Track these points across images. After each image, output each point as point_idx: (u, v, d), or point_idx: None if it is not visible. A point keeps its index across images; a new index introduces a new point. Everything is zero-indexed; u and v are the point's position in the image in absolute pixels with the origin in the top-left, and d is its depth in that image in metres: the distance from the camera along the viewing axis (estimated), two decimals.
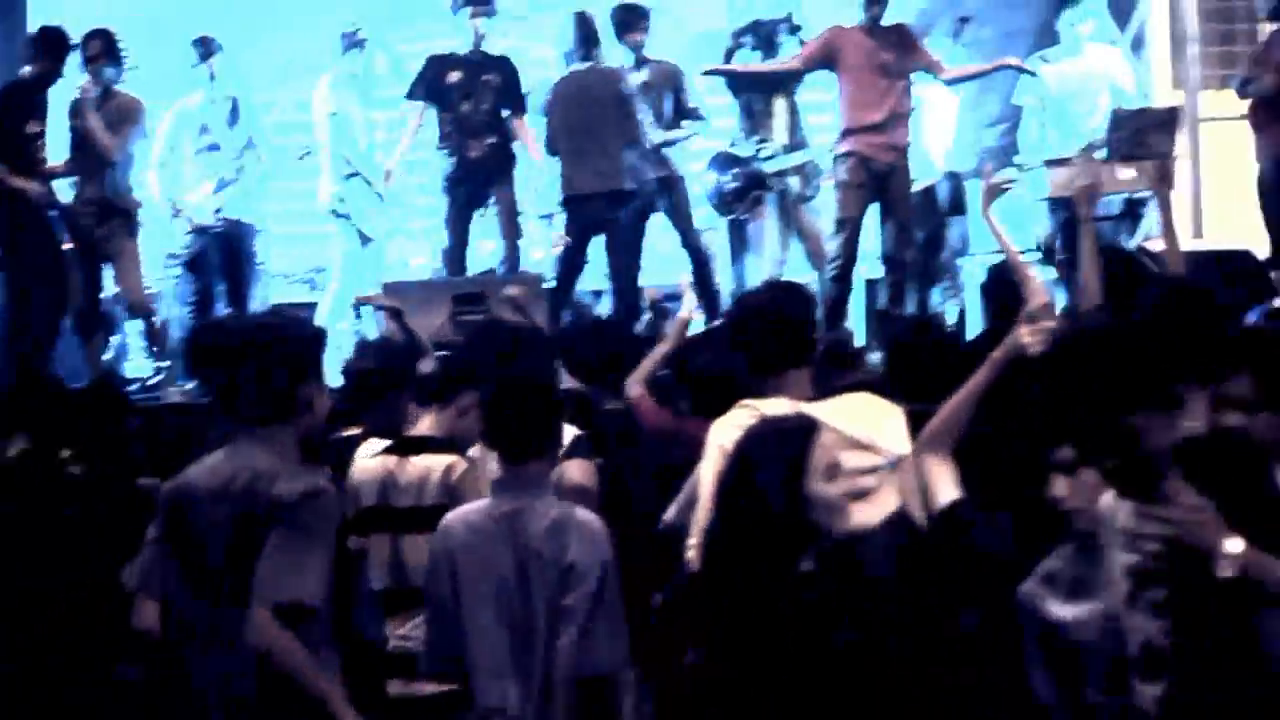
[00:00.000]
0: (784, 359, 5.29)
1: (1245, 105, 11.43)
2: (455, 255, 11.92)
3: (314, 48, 13.43)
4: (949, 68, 11.65)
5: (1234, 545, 4.06)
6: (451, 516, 5.56)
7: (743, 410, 5.17)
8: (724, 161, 11.95)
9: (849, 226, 11.13)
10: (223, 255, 11.92)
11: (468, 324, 9.97)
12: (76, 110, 11.15)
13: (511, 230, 11.86)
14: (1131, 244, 12.37)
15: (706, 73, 11.92)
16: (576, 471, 6.36)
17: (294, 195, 13.07)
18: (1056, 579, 4.63)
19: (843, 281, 11.17)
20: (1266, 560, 4.07)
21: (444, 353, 7.75)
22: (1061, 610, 4.57)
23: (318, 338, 5.18)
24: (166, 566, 5.04)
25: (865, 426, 4.85)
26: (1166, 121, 11.67)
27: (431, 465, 6.26)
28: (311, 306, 12.94)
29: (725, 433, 5.08)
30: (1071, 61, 12.10)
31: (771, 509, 4.21)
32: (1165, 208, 8.25)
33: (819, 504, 4.29)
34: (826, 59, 11.23)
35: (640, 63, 11.85)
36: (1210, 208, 13.59)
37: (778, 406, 5.01)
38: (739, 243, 12.26)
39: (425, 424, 6.47)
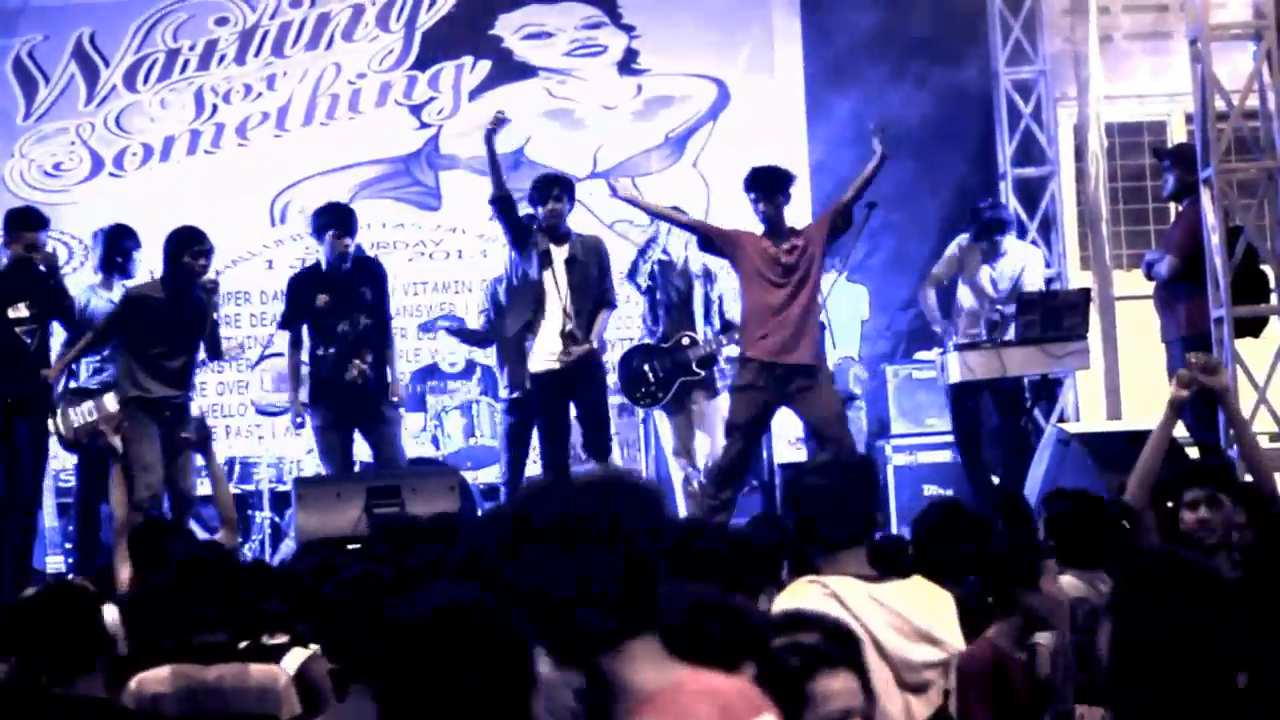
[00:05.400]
0: (845, 538, 5.23)
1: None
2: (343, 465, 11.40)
3: None
4: (845, 195, 11.13)
5: None
6: None
7: (811, 585, 5.08)
8: (645, 351, 11.96)
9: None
10: None
11: (383, 518, 9.89)
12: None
13: (394, 450, 11.44)
14: (1048, 425, 12.48)
15: (616, 194, 11.39)
16: None
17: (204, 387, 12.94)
18: None
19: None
20: None
21: None
22: None
23: None
24: None
25: (926, 615, 4.86)
26: (1078, 303, 11.78)
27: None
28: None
29: (794, 605, 4.99)
30: (998, 260, 12.15)
31: None
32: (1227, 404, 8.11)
33: None
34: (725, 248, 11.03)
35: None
36: (1128, 387, 13.69)
37: (843, 584, 4.95)
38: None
39: None
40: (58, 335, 11.19)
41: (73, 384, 11.45)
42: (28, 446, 10.81)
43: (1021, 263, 12.25)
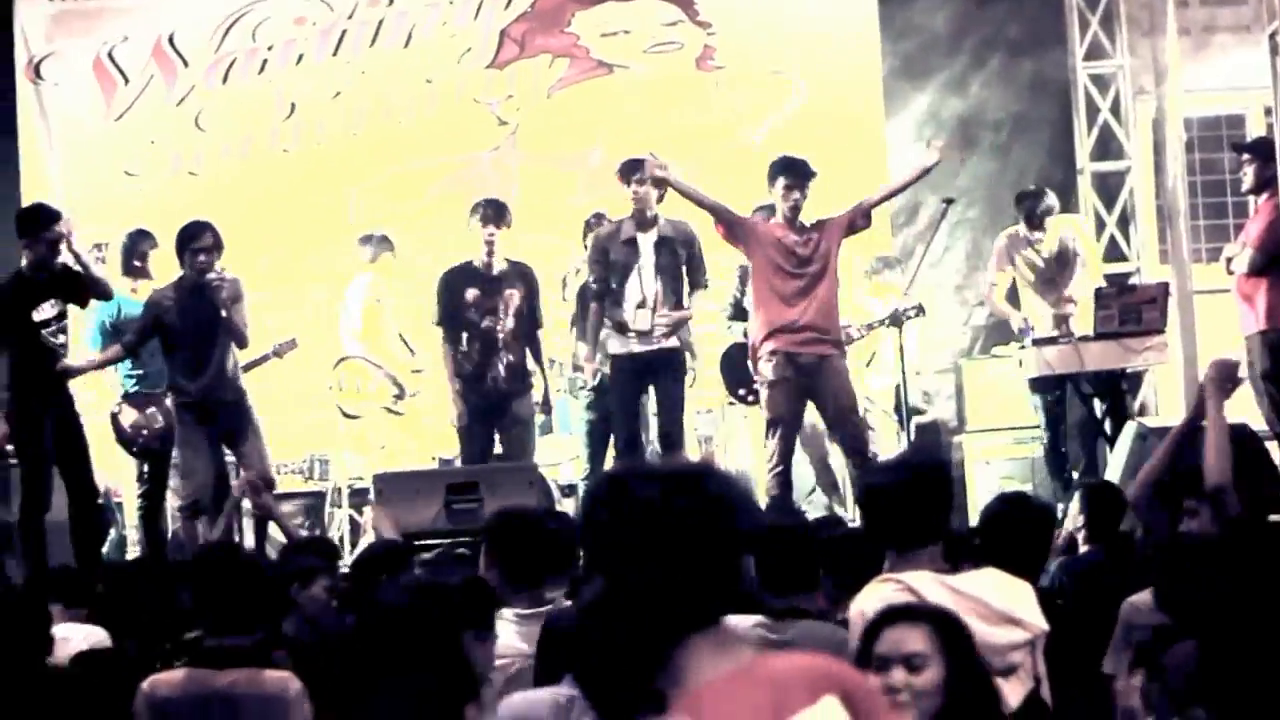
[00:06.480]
0: (921, 536, 5.19)
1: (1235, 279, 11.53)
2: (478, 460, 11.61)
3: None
4: (871, 196, 11.31)
5: None
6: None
7: (884, 583, 5.06)
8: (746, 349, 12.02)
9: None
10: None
11: (462, 513, 9.97)
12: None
13: (520, 453, 11.64)
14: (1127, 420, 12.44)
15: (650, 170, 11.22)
16: None
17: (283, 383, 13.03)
18: None
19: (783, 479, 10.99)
20: None
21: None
22: None
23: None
24: None
25: (1005, 599, 4.88)
26: (1157, 297, 11.73)
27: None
28: (312, 495, 13.04)
29: (872, 604, 5.01)
30: (1040, 237, 12.15)
31: None
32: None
33: None
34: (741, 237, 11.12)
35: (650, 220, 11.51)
36: None
37: (920, 580, 4.96)
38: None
39: None
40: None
41: (131, 389, 11.66)
42: (57, 461, 10.74)
43: (1058, 233, 12.21)
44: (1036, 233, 12.12)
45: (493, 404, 11.52)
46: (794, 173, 10.97)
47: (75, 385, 11.01)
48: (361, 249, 13.27)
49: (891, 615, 4.20)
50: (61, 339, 11.08)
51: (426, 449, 13.04)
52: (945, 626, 4.12)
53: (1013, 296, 12.31)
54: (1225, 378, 6.34)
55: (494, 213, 11.53)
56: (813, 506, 11.63)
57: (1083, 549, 8.00)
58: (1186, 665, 4.52)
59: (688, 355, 11.62)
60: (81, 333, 11.96)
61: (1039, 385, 11.92)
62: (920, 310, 12.01)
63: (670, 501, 2.95)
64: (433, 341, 11.93)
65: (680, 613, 2.95)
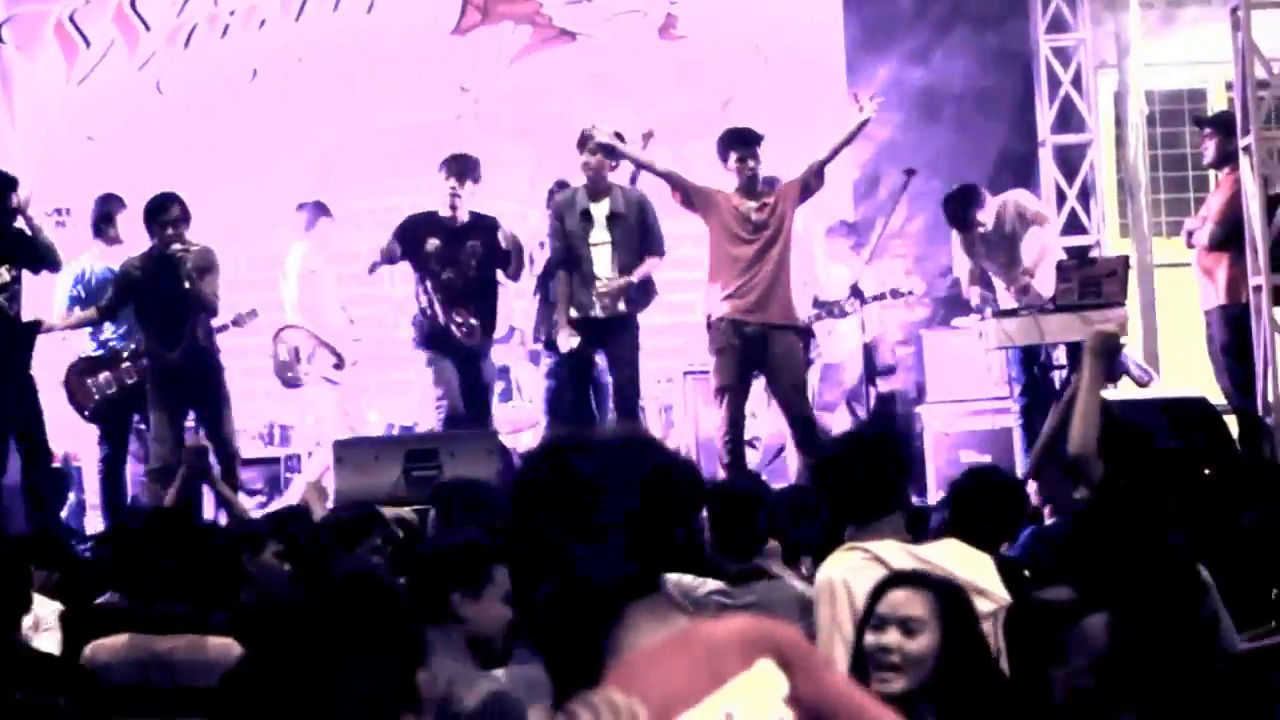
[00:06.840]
0: (878, 507, 5.22)
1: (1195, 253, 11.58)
2: (454, 418, 11.54)
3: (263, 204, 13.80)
4: (820, 155, 11.14)
5: None
6: None
7: (851, 552, 5.08)
8: None
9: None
10: None
11: (422, 480, 9.95)
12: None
13: (487, 412, 11.70)
14: None
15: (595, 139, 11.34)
16: None
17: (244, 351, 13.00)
18: None
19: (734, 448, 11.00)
20: None
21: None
22: None
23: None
24: None
25: (969, 570, 4.90)
26: (1117, 270, 11.75)
27: None
28: (272, 462, 13.03)
29: (839, 572, 5.03)
30: (981, 230, 12.09)
31: None
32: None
33: None
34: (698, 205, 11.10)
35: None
36: (1166, 354, 13.67)
37: (884, 548, 4.98)
38: None
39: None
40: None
41: (92, 352, 11.66)
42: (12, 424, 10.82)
43: (996, 206, 12.12)
44: (976, 228, 12.02)
45: (455, 355, 11.49)
46: (744, 142, 10.95)
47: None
48: (297, 216, 13.21)
49: (898, 579, 4.28)
50: (12, 305, 11.00)
51: (373, 418, 13.07)
52: (948, 597, 4.19)
53: (985, 278, 12.28)
54: (1104, 349, 6.30)
55: (458, 167, 11.47)
56: (774, 473, 11.63)
57: (1049, 520, 8.02)
58: (1087, 639, 4.53)
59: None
60: (52, 298, 11.92)
61: (1018, 357, 11.88)
62: (913, 291, 12.07)
63: (606, 471, 2.95)
64: (374, 313, 11.96)
65: (616, 582, 2.95)
